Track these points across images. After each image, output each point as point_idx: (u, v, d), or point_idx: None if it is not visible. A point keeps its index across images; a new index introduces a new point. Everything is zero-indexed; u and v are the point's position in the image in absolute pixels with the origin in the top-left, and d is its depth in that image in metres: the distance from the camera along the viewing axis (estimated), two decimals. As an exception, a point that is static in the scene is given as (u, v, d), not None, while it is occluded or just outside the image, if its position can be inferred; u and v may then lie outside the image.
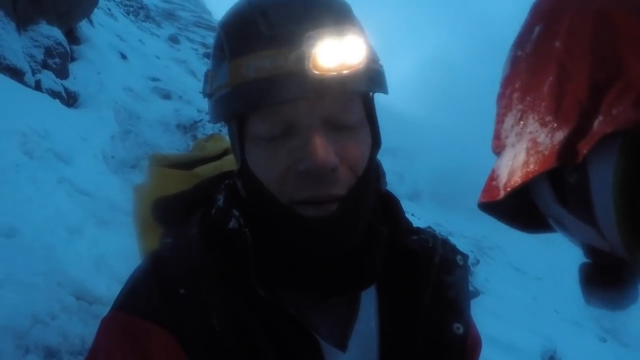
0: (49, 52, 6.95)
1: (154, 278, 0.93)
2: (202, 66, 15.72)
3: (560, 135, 0.50)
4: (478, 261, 14.17)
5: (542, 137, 0.52)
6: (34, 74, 6.56)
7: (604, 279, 0.58)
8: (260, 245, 0.93)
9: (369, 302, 1.02)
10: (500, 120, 0.64)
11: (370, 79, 0.89)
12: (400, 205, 1.12)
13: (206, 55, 17.97)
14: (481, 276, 11.81)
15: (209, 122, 9.30)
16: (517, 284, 17.40)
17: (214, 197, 1.02)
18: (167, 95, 9.34)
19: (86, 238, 4.06)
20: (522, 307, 10.10)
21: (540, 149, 0.52)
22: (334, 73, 0.83)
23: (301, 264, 0.93)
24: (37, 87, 6.52)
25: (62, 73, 7.16)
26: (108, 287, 3.50)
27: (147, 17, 18.87)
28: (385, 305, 1.03)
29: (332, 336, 0.96)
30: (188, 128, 8.58)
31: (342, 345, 0.96)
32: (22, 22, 6.69)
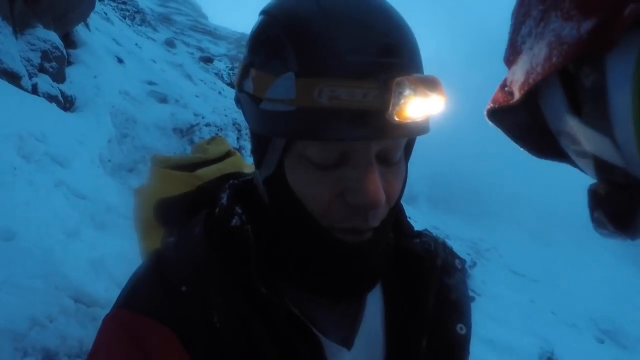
0: (45, 55, 6.95)
1: (155, 276, 0.94)
2: (199, 70, 15.73)
3: (587, 25, 0.48)
4: (475, 263, 14.22)
5: (567, 30, 0.50)
6: (30, 77, 6.55)
7: (615, 198, 0.54)
8: (271, 248, 0.94)
9: (373, 302, 1.02)
10: (516, 29, 0.61)
11: (428, 124, 0.88)
12: (403, 209, 1.13)
13: (202, 59, 17.97)
14: (478, 279, 11.85)
15: (205, 125, 9.31)
16: (515, 286, 17.42)
17: (217, 197, 1.02)
18: (163, 99, 9.34)
19: (84, 241, 4.07)
20: (519, 310, 10.12)
21: (565, 40, 0.50)
22: (412, 121, 0.81)
23: (318, 275, 0.93)
24: (34, 90, 6.53)
25: (58, 77, 7.16)
26: (106, 290, 3.51)
27: (143, 21, 18.90)
28: (390, 306, 1.04)
29: (336, 335, 0.97)
30: (185, 132, 8.58)
31: (347, 344, 0.97)
32: (19, 26, 6.70)
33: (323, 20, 0.82)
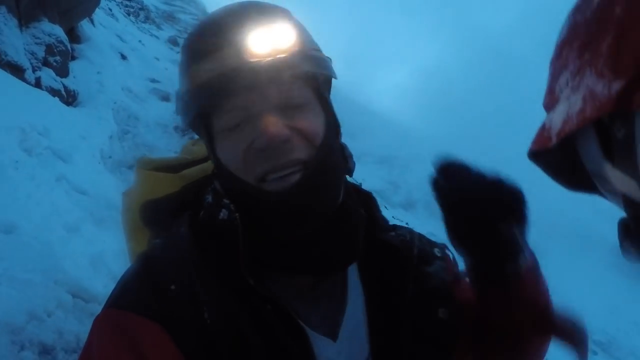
0: (50, 49, 6.95)
1: (144, 276, 0.96)
2: (201, 69, 15.71)
3: (617, 85, 0.52)
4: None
5: (600, 87, 0.54)
6: (34, 71, 6.56)
7: None
8: (250, 234, 0.98)
9: (355, 295, 1.07)
10: (554, 77, 0.66)
11: (307, 62, 0.99)
12: (378, 203, 1.20)
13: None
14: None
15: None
16: None
17: (202, 198, 1.06)
18: (165, 97, 9.34)
19: (83, 236, 4.06)
20: None
21: (597, 97, 0.54)
22: (269, 58, 0.95)
23: (284, 243, 0.98)
24: (37, 84, 6.52)
25: (62, 71, 7.16)
26: (104, 286, 3.50)
27: (147, 19, 18.87)
28: (371, 296, 1.08)
29: (322, 327, 1.01)
30: (186, 130, 8.55)
31: (332, 335, 1.01)
32: (24, 19, 6.70)
33: (197, 29, 1.07)
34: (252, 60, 0.94)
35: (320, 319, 1.02)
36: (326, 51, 1.09)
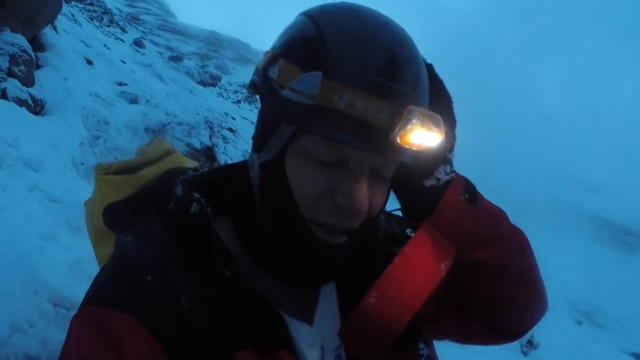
0: (13, 59, 6.84)
1: (119, 270, 0.97)
2: (169, 69, 15.65)
3: None
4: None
5: None
6: (-1, 82, 6.47)
7: None
8: (242, 230, 1.03)
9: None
10: None
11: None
12: None
13: (172, 59, 17.86)
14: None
15: (177, 124, 9.25)
16: None
17: (170, 191, 1.07)
18: (134, 100, 9.27)
19: (60, 244, 4.02)
20: None
21: None
22: (410, 147, 0.90)
23: (288, 265, 1.03)
24: (3, 95, 6.42)
25: (28, 81, 7.05)
26: (85, 292, 3.47)
27: (112, 22, 18.73)
28: (342, 283, 1.11)
29: (297, 312, 1.04)
30: (157, 132, 8.55)
31: (308, 320, 1.04)
32: (-15, 31, 6.60)
33: (362, 40, 0.90)
34: (399, 142, 0.89)
35: (295, 305, 1.04)
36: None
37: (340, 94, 0.86)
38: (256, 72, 1.02)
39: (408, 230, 1.21)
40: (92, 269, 3.68)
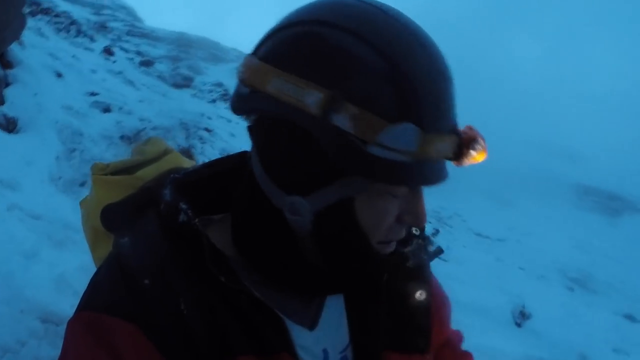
0: (-19, 80, 6.79)
1: (116, 274, 0.92)
2: (140, 75, 15.56)
3: None
4: (437, 231, 14.37)
5: None
6: (-32, 104, 6.41)
7: None
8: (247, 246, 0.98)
9: None
10: None
11: None
12: None
13: (143, 63, 17.75)
14: (443, 245, 11.94)
15: (152, 129, 9.22)
16: (480, 248, 17.69)
17: (160, 193, 1.01)
18: (107, 109, 9.22)
19: (43, 261, 4.03)
20: (486, 270, 10.28)
21: None
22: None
23: (318, 281, 0.98)
24: (-26, 117, 6.38)
25: (-3, 100, 7.00)
26: (72, 306, 3.39)
27: (79, 32, 18.52)
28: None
29: (301, 317, 0.98)
30: (132, 138, 8.49)
31: (312, 325, 0.98)
32: (-51, 53, 6.53)
33: (438, 73, 0.84)
34: (456, 164, 0.89)
35: (298, 308, 0.99)
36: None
37: (434, 144, 0.81)
38: (300, 113, 0.81)
39: (413, 229, 1.15)
40: (77, 282, 3.71)
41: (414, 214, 0.91)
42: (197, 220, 0.95)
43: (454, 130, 0.85)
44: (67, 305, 3.52)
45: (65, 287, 3.76)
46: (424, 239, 1.17)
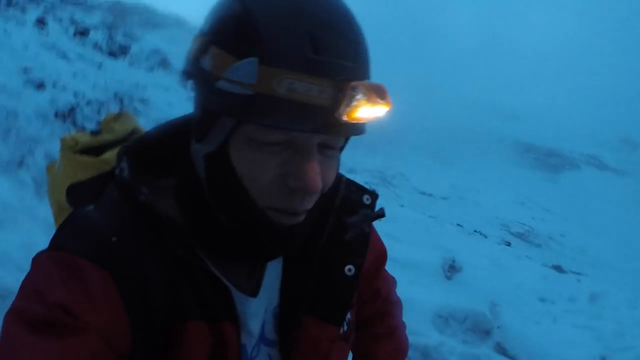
0: None
1: (85, 227, 0.94)
2: (74, 46, 15.18)
3: None
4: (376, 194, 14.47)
5: None
6: None
7: None
8: (195, 219, 0.99)
9: None
10: None
11: None
12: None
13: (77, 33, 17.33)
14: (377, 205, 11.86)
15: (87, 104, 9.09)
16: (423, 205, 17.93)
17: (118, 167, 1.02)
18: (41, 85, 9.09)
19: (-16, 240, 4.12)
20: (421, 227, 10.39)
21: None
22: (357, 122, 0.88)
23: (242, 248, 0.99)
24: None
25: None
26: (17, 280, 3.56)
27: (10, 4, 17.91)
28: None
29: (246, 286, 1.05)
30: (67, 115, 8.45)
31: (253, 293, 1.05)
32: None
33: (294, 15, 0.85)
34: (346, 118, 0.86)
35: (244, 279, 1.05)
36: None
37: (279, 79, 0.82)
38: (188, 61, 0.95)
39: (365, 198, 1.19)
40: (20, 257, 3.82)
41: (298, 176, 0.89)
42: (152, 198, 0.97)
43: (330, 76, 0.84)
44: (12, 279, 3.69)
45: (9, 263, 3.90)
46: (373, 209, 1.19)
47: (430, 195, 23.51)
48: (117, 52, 18.23)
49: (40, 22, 15.96)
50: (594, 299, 8.21)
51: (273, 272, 1.09)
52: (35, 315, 0.83)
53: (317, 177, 0.90)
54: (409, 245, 7.97)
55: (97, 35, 18.65)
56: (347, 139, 0.99)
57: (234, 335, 0.98)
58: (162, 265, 0.93)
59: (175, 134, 1.06)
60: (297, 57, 0.83)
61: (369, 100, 0.85)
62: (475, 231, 14.76)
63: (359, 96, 0.84)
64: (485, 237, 14.64)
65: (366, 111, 0.85)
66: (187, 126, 1.03)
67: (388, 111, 0.89)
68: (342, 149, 1.00)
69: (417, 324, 5.28)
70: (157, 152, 1.05)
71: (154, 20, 30.35)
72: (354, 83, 0.84)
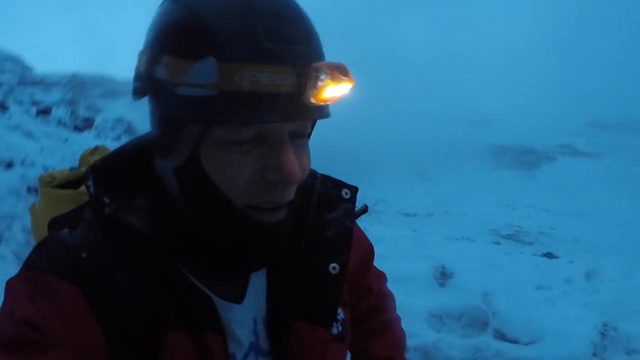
0: None
1: (57, 246, 0.95)
2: (38, 125, 15.19)
3: None
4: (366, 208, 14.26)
5: None
6: None
7: None
8: (167, 232, 0.98)
9: None
10: None
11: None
12: None
13: (39, 112, 17.37)
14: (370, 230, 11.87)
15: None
16: (410, 227, 17.88)
17: (86, 185, 1.02)
18: (9, 165, 9.12)
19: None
20: (405, 242, 10.31)
21: None
22: (325, 103, 0.89)
23: (226, 259, 0.99)
24: None
25: None
26: None
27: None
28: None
29: (229, 293, 1.02)
30: (38, 189, 8.37)
31: (238, 300, 1.03)
32: None
33: (246, 12, 0.85)
34: (312, 101, 0.87)
35: (225, 284, 1.03)
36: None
37: (240, 73, 0.82)
38: (137, 79, 0.95)
39: (344, 192, 1.19)
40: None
41: (276, 169, 0.89)
42: (120, 214, 0.96)
43: (290, 62, 0.84)
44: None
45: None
46: (354, 203, 1.19)
47: (414, 215, 23.44)
48: (82, 125, 18.21)
49: (1, 107, 15.95)
50: (590, 276, 8.13)
51: (258, 279, 1.07)
52: (7, 335, 0.84)
53: (295, 166, 0.90)
54: (397, 261, 7.87)
55: (59, 112, 18.65)
56: (313, 125, 1.00)
57: (219, 344, 0.97)
58: (137, 277, 0.93)
59: (137, 154, 1.06)
60: (253, 49, 0.83)
61: (333, 79, 0.85)
62: (462, 237, 14.69)
63: (322, 77, 0.85)
64: (473, 241, 14.52)
65: (332, 90, 0.86)
66: (146, 146, 1.03)
67: (352, 88, 0.90)
68: (309, 136, 1.00)
69: (412, 326, 5.22)
70: (123, 169, 1.06)
71: (114, 90, 30.44)
72: (315, 65, 0.85)
